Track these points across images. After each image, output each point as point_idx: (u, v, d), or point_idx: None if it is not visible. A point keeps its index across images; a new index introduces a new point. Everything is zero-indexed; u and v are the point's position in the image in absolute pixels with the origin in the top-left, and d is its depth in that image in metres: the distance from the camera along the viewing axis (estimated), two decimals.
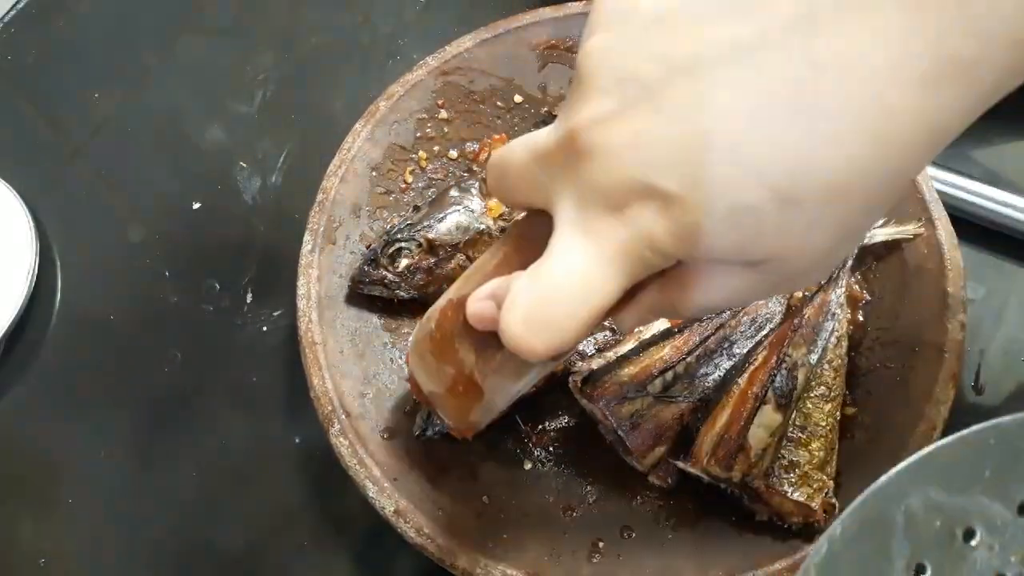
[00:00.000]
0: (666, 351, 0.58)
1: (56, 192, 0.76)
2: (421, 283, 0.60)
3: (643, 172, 0.31)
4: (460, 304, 0.42)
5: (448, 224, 0.61)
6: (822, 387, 0.55)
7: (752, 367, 0.56)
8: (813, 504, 0.50)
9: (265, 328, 0.69)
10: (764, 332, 0.59)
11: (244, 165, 0.77)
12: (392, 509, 0.51)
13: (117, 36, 0.85)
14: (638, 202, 0.31)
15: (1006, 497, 0.35)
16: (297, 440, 0.64)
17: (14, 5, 0.86)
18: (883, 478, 0.35)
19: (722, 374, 0.57)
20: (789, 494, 0.51)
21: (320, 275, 0.59)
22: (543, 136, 0.35)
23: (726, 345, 0.58)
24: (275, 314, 0.69)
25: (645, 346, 0.58)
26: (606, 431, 0.57)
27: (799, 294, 0.60)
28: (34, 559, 0.61)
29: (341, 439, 0.53)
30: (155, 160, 0.78)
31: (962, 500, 0.35)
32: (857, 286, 0.61)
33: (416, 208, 0.63)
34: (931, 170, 0.65)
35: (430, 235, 0.60)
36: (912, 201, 0.60)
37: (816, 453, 0.53)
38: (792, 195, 0.30)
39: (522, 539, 0.53)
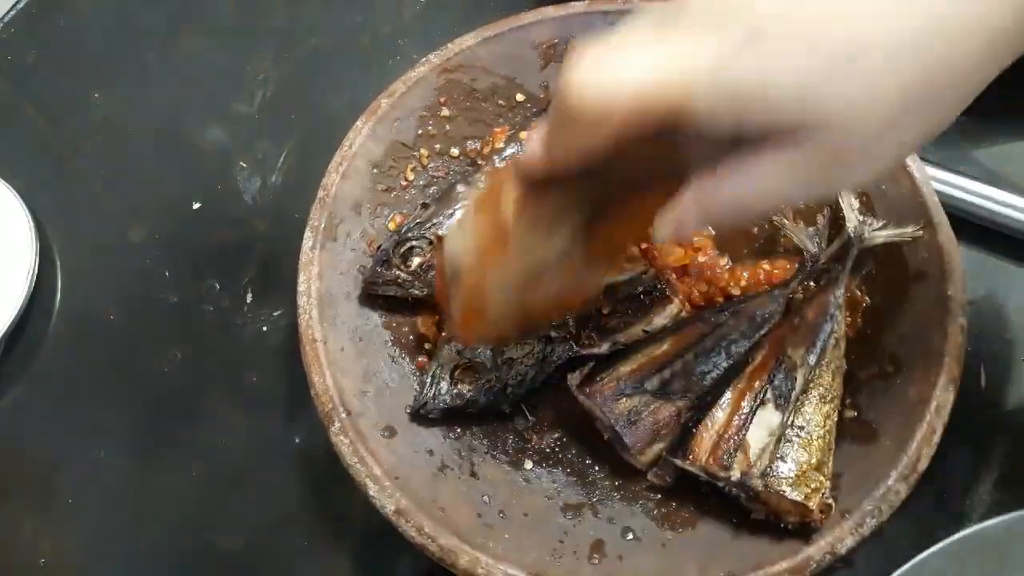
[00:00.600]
0: (664, 348, 0.58)
1: (56, 192, 0.76)
2: (434, 280, 0.60)
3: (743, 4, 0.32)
4: (510, 164, 0.46)
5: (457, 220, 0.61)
6: (820, 388, 0.55)
7: (751, 367, 0.56)
8: (810, 504, 0.50)
9: (265, 328, 0.69)
10: (763, 332, 0.58)
11: (244, 165, 0.77)
12: (393, 508, 0.51)
13: (117, 36, 0.85)
14: (720, 32, 0.32)
15: None
16: (297, 440, 0.64)
17: (14, 5, 0.86)
18: None
19: (720, 373, 0.57)
20: (787, 494, 0.51)
21: (321, 272, 0.59)
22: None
23: (724, 344, 0.58)
24: (275, 314, 0.69)
25: (643, 343, 0.58)
26: (603, 428, 0.57)
27: (799, 295, 0.60)
28: (34, 559, 0.61)
29: (341, 437, 0.53)
30: (155, 160, 0.78)
31: None
32: (858, 290, 0.61)
33: (424, 205, 0.62)
34: (931, 170, 0.65)
35: (441, 232, 0.60)
36: (912, 204, 0.60)
37: (814, 454, 0.53)
38: (862, 43, 0.31)
39: (523, 539, 0.53)
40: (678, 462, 0.54)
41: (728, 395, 0.55)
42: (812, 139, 0.33)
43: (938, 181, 0.66)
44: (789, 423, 0.53)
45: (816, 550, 0.50)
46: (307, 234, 0.60)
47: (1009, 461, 0.62)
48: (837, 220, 0.61)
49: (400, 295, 0.60)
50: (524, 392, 0.59)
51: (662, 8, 0.35)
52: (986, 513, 0.60)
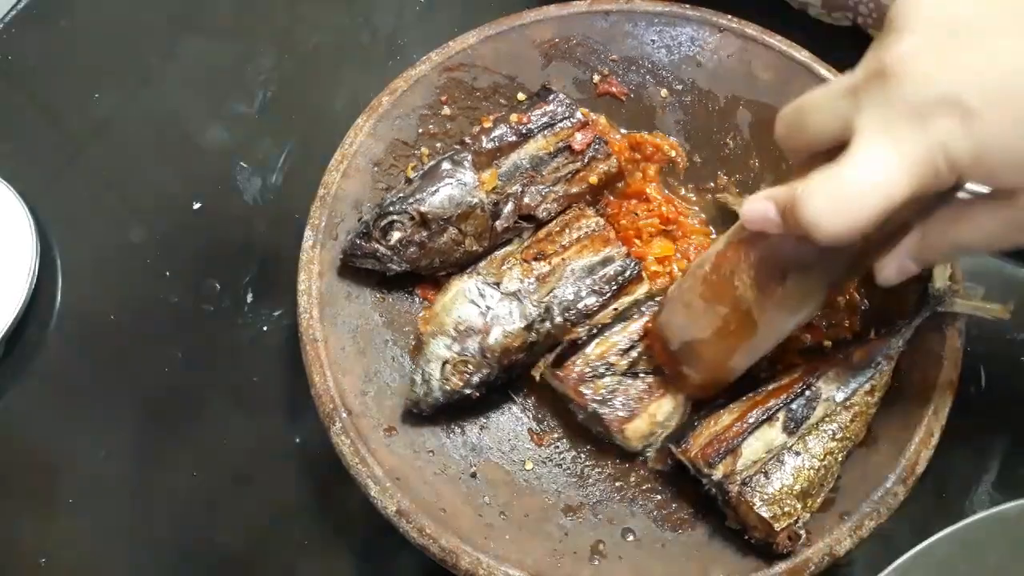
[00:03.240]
0: (628, 332, 0.58)
1: (56, 192, 0.76)
2: (414, 256, 0.60)
3: (950, 87, 0.38)
4: (741, 243, 0.48)
5: (440, 197, 0.60)
6: (835, 425, 0.54)
7: (774, 384, 0.56)
8: (776, 525, 0.50)
9: (265, 328, 0.69)
10: None
11: (244, 165, 0.77)
12: (394, 509, 0.51)
13: (117, 36, 0.85)
14: (941, 113, 0.38)
15: None
16: (298, 440, 0.64)
17: (14, 5, 0.86)
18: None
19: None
20: (755, 507, 0.51)
21: (321, 271, 0.59)
22: (846, 76, 0.42)
23: None
24: (275, 314, 0.69)
25: (609, 327, 0.59)
26: (577, 409, 0.58)
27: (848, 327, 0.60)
28: (34, 559, 0.61)
29: (342, 437, 0.53)
30: (155, 160, 0.78)
31: None
32: (857, 293, 0.61)
33: (408, 181, 0.62)
34: None
35: (422, 208, 0.60)
36: None
37: (800, 482, 0.52)
38: None
39: (524, 540, 0.53)
40: (672, 447, 0.55)
41: (741, 402, 0.55)
42: None
43: None
44: (789, 447, 0.53)
45: (815, 552, 0.50)
46: (307, 233, 0.60)
47: (1009, 461, 0.62)
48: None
49: (378, 269, 0.60)
50: (511, 378, 0.59)
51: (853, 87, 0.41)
52: None
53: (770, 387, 0.56)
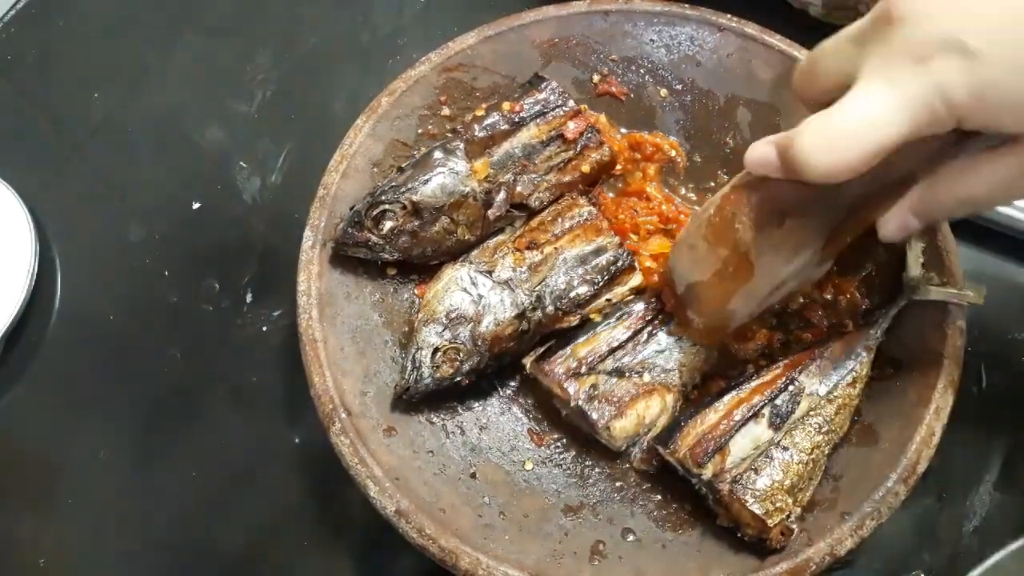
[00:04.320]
0: (616, 331, 0.59)
1: (56, 192, 0.76)
2: (405, 245, 0.60)
3: (953, 29, 0.37)
4: (744, 187, 0.49)
5: (432, 186, 0.60)
6: (819, 419, 0.54)
7: (758, 381, 0.56)
8: (769, 521, 0.50)
9: (265, 328, 0.69)
10: None
11: (244, 165, 0.77)
12: (393, 509, 0.51)
13: (117, 36, 0.85)
14: (942, 55, 0.37)
15: None
16: (297, 440, 0.64)
17: (14, 5, 0.86)
18: None
19: (673, 351, 0.58)
20: (748, 504, 0.51)
21: (321, 271, 0.59)
22: (856, 23, 0.43)
23: (672, 323, 0.59)
24: (275, 314, 0.69)
25: (597, 325, 0.59)
26: (562, 405, 0.58)
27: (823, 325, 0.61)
28: (34, 559, 0.61)
29: (342, 438, 0.53)
30: (155, 160, 0.78)
31: None
32: (857, 293, 0.61)
33: (400, 169, 0.62)
34: None
35: (414, 197, 0.59)
36: None
37: (790, 477, 0.52)
38: None
39: (524, 541, 0.53)
40: (660, 449, 0.55)
41: (726, 400, 0.55)
42: None
43: None
44: (776, 442, 0.53)
45: (815, 551, 0.50)
46: (307, 233, 0.60)
47: (1010, 461, 0.62)
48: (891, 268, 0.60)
49: (370, 257, 0.60)
50: (502, 366, 0.59)
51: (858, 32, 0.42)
52: (987, 513, 0.60)
53: (753, 383, 0.56)
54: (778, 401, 0.54)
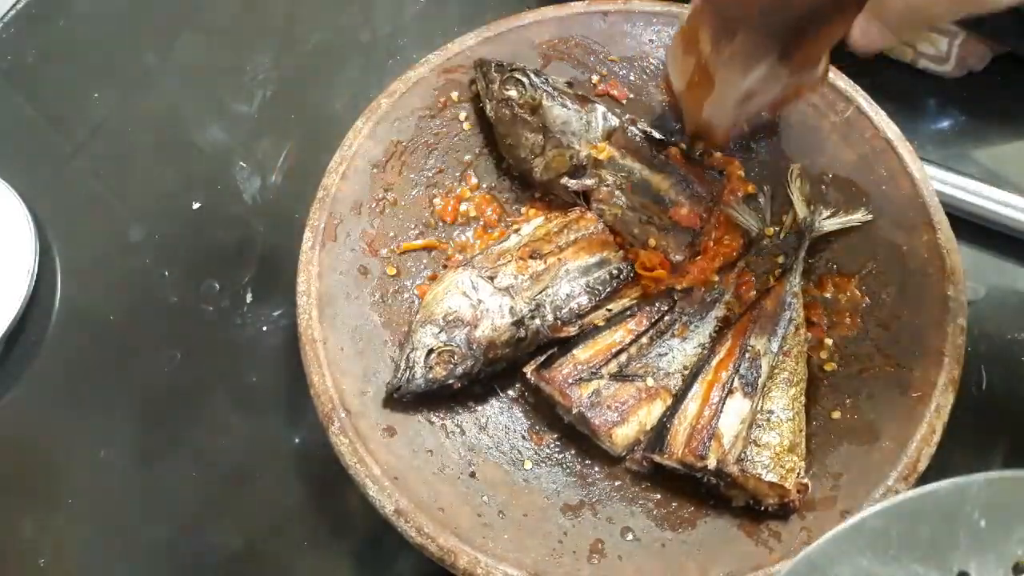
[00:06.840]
0: (618, 335, 0.59)
1: (56, 192, 0.76)
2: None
3: None
4: (706, 2, 0.52)
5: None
6: (785, 372, 0.57)
7: (717, 359, 0.58)
8: (787, 484, 0.51)
9: (265, 328, 0.69)
10: (714, 312, 0.61)
11: (244, 165, 0.77)
12: (392, 508, 0.51)
13: (117, 36, 0.85)
14: None
15: (943, 567, 0.33)
16: (297, 440, 0.64)
17: (14, 5, 0.86)
18: (811, 547, 0.34)
19: (676, 354, 0.59)
20: (763, 476, 0.52)
21: (321, 272, 0.59)
22: None
23: (676, 326, 0.60)
24: (275, 314, 0.69)
25: (597, 331, 0.60)
26: (564, 412, 0.58)
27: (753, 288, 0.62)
28: (34, 559, 0.61)
29: (341, 437, 0.53)
30: (155, 160, 0.78)
31: (895, 570, 0.33)
32: (857, 290, 0.61)
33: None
34: (931, 170, 0.65)
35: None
36: (912, 204, 0.60)
37: (786, 436, 0.54)
38: None
39: (523, 540, 0.53)
40: (656, 458, 0.55)
41: (697, 388, 0.56)
42: None
43: (938, 181, 0.66)
44: (759, 409, 0.55)
45: None
46: (307, 234, 0.60)
47: (1011, 460, 0.61)
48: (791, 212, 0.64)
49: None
50: (495, 372, 0.59)
51: None
52: None
53: (713, 363, 0.58)
54: (742, 371, 0.56)
